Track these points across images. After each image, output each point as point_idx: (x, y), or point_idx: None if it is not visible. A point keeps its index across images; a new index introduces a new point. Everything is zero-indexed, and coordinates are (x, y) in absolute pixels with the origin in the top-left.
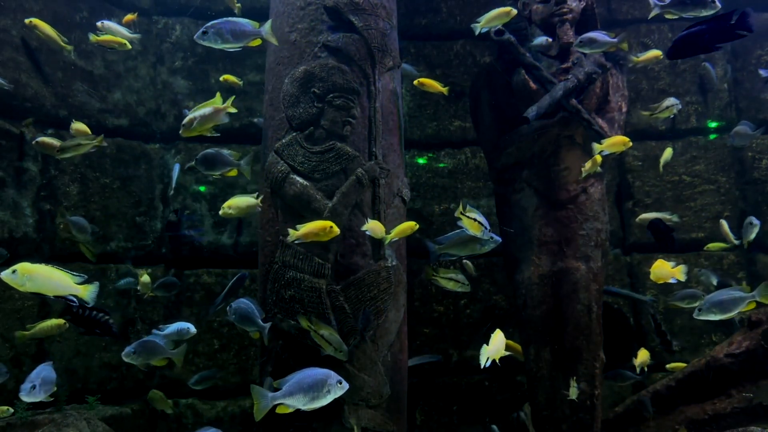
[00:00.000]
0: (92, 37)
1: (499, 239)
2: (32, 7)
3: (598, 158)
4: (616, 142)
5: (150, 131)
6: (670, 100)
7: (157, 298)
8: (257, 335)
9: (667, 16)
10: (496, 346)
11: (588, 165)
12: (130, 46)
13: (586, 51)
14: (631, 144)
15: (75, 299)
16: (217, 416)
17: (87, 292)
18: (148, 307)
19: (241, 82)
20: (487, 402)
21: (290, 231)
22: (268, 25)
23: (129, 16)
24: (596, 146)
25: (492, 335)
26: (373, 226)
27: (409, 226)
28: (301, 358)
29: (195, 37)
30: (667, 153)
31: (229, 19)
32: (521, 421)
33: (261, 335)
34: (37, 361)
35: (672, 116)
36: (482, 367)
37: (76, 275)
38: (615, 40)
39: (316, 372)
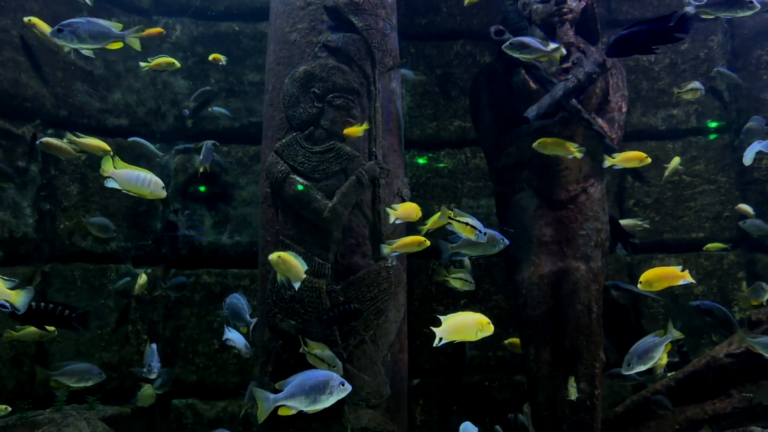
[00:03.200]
0: (143, 65)
1: (508, 241)
2: (32, 7)
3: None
4: (631, 158)
5: (150, 131)
6: (695, 84)
7: (157, 298)
8: (245, 329)
9: (703, 17)
10: (446, 327)
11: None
12: (178, 65)
13: (516, 55)
14: (650, 160)
15: (7, 305)
16: (217, 416)
17: (18, 297)
18: (148, 307)
19: (224, 60)
20: (487, 402)
21: (390, 210)
22: (135, 31)
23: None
24: (608, 159)
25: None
26: (402, 244)
27: (440, 222)
28: (301, 358)
29: (49, 34)
30: (675, 161)
31: (90, 19)
32: (519, 423)
33: (248, 330)
34: (37, 362)
35: (695, 100)
36: (435, 345)
37: (8, 280)
38: (548, 49)
39: (318, 374)
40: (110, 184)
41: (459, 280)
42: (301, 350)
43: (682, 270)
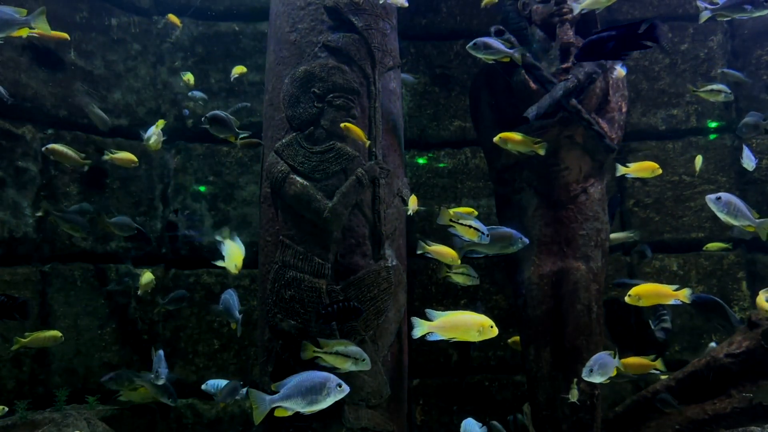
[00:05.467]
0: (185, 77)
1: (527, 240)
2: (32, 7)
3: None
4: (644, 168)
5: None
6: (720, 86)
7: (157, 298)
8: (234, 325)
9: (719, 19)
10: (442, 324)
11: None
12: (193, 82)
13: (480, 55)
14: (660, 171)
15: None
16: (217, 416)
17: None
18: (148, 307)
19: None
20: (487, 402)
21: (410, 202)
22: (39, 14)
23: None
24: (621, 168)
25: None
26: (438, 251)
27: (467, 211)
28: (301, 358)
29: None
30: (699, 159)
31: None
32: (519, 423)
33: (237, 325)
34: (37, 362)
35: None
36: (414, 337)
37: None
38: (511, 51)
39: (315, 375)
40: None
41: (462, 276)
42: (304, 356)
43: (676, 289)
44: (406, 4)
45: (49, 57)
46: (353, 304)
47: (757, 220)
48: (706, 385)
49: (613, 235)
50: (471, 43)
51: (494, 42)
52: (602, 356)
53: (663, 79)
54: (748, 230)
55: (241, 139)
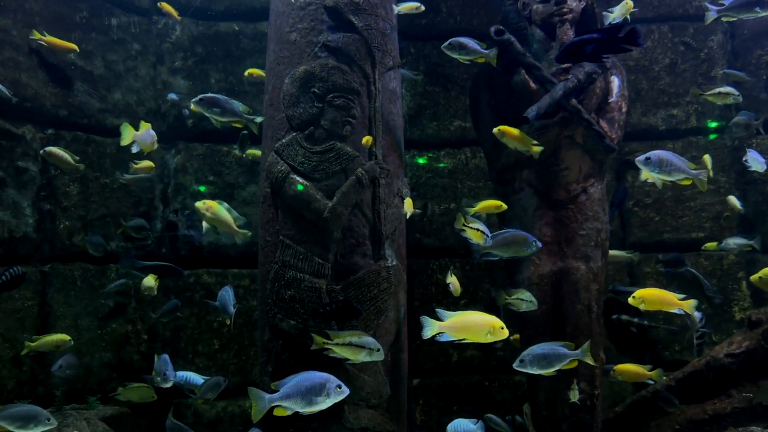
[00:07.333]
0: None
1: (540, 244)
2: (32, 8)
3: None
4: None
5: None
6: (728, 89)
7: (157, 299)
8: (229, 321)
9: (724, 19)
10: (452, 324)
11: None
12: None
13: (455, 56)
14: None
15: None
16: (217, 416)
17: None
18: (149, 307)
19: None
20: (487, 402)
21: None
22: None
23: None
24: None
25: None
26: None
27: (495, 204)
28: (301, 358)
29: None
30: (707, 160)
31: None
32: (518, 424)
33: (231, 321)
34: (36, 362)
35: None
36: (424, 337)
37: None
38: (486, 51)
39: (315, 375)
40: (136, 148)
41: (521, 301)
42: (314, 347)
43: (683, 299)
44: (423, 8)
45: (49, 58)
46: (351, 303)
47: (693, 171)
48: (706, 385)
49: (613, 252)
50: (446, 43)
51: (469, 42)
52: (543, 347)
53: (663, 79)
54: (685, 183)
55: (253, 123)
